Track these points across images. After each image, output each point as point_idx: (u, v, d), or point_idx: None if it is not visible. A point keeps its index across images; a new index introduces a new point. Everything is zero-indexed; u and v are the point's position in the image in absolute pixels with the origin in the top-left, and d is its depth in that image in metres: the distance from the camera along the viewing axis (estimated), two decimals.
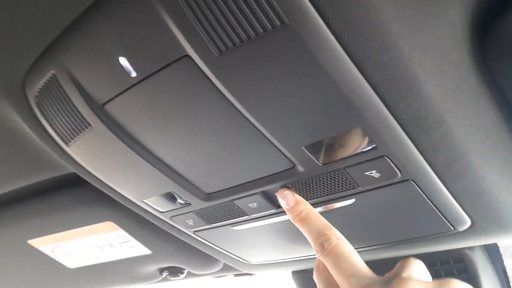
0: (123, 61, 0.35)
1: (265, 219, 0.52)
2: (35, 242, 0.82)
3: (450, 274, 0.64)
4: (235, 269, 0.84)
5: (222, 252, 0.67)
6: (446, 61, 0.33)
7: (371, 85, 0.32)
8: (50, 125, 0.45)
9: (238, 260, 0.69)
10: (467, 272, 0.63)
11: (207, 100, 0.36)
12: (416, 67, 0.31)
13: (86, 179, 0.54)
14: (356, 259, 0.38)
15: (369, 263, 0.67)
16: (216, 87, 0.35)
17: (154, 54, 0.34)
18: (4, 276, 1.02)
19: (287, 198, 0.44)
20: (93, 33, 0.35)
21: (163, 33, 0.32)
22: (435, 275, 0.65)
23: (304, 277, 0.80)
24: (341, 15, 0.28)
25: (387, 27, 0.29)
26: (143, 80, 0.36)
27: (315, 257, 0.63)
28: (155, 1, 0.30)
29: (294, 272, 0.82)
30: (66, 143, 0.47)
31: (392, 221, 0.49)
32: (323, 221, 0.41)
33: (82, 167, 0.51)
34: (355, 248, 0.56)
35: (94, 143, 0.44)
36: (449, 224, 0.47)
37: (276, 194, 0.45)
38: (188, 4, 0.30)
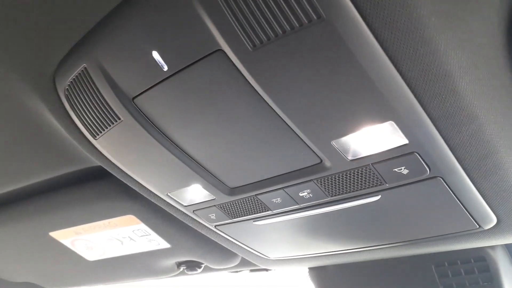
0: (155, 55, 0.35)
1: (287, 214, 0.52)
2: (56, 235, 0.83)
3: (470, 273, 0.64)
4: (252, 264, 0.84)
5: (241, 247, 0.67)
6: (481, 57, 0.32)
7: (405, 80, 0.32)
8: (79, 118, 0.46)
9: (257, 255, 0.70)
10: (488, 271, 0.63)
11: (238, 94, 0.36)
12: (451, 63, 0.31)
13: (111, 172, 0.55)
14: None
15: (389, 261, 0.67)
16: (248, 82, 0.35)
17: (187, 48, 0.34)
18: (25, 267, 1.03)
19: None
20: (127, 27, 0.35)
21: (197, 27, 0.32)
22: (455, 273, 0.65)
23: (320, 273, 0.80)
24: (379, 9, 0.28)
25: (425, 22, 0.28)
26: (174, 74, 0.36)
27: (332, 254, 0.63)
28: None
29: (310, 269, 0.82)
30: (94, 136, 0.47)
31: (416, 219, 0.48)
32: None
33: (108, 160, 0.52)
34: (378, 246, 0.57)
35: (123, 137, 0.45)
36: (474, 222, 0.47)
37: None
38: None
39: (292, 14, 0.29)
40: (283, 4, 0.29)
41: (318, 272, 0.80)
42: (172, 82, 0.37)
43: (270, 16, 0.30)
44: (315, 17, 0.28)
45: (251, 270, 0.97)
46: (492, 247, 0.62)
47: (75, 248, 0.88)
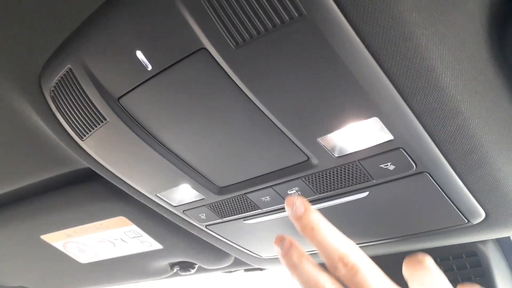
0: (139, 54, 0.35)
1: (277, 212, 0.52)
2: (48, 237, 0.83)
3: (462, 268, 0.64)
4: (245, 264, 0.84)
5: (233, 246, 0.67)
6: (463, 52, 0.33)
7: (388, 76, 0.32)
8: (65, 119, 0.46)
9: (249, 255, 0.70)
10: (479, 266, 0.63)
11: (223, 93, 0.36)
12: (433, 58, 0.31)
13: (100, 173, 0.55)
14: (388, 280, 0.36)
15: (380, 258, 0.67)
16: (232, 80, 0.35)
17: (171, 47, 0.34)
18: (17, 271, 1.03)
19: (295, 205, 0.39)
20: (110, 27, 0.35)
21: (180, 26, 0.32)
22: (447, 269, 0.65)
23: None
24: (359, 6, 0.28)
25: (405, 17, 0.28)
26: (159, 73, 0.36)
27: None
28: None
29: None
30: (80, 138, 0.47)
31: (405, 215, 0.49)
32: (339, 233, 0.38)
33: (96, 162, 0.52)
34: (368, 242, 0.57)
35: (109, 137, 0.45)
36: (463, 217, 0.47)
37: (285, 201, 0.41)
38: None
39: (274, 11, 0.29)
40: (265, 1, 0.29)
41: None
42: (156, 81, 0.37)
43: (252, 14, 0.30)
44: (296, 14, 0.28)
45: (246, 270, 0.97)
46: (483, 242, 0.63)
47: (67, 250, 0.87)
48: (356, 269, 0.35)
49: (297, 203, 0.39)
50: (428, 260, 0.41)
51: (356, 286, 0.35)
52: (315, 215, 0.39)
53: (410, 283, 0.40)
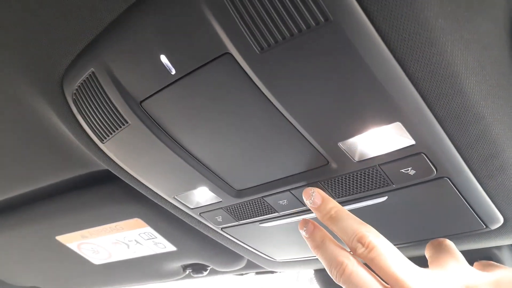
0: (163, 58, 0.36)
1: (294, 216, 0.52)
2: (63, 238, 0.83)
3: None
4: (258, 267, 0.84)
5: (248, 249, 0.67)
6: (487, 57, 0.33)
7: (412, 81, 0.32)
8: (86, 122, 0.46)
9: (263, 257, 0.70)
10: None
11: (245, 97, 0.37)
12: (458, 64, 0.31)
13: (118, 176, 0.55)
14: (403, 256, 0.38)
15: None
16: (255, 85, 0.35)
17: (195, 51, 0.34)
18: (31, 271, 1.04)
19: (313, 196, 0.42)
20: (135, 31, 0.35)
21: (205, 31, 0.32)
22: None
23: (326, 275, 0.80)
24: (386, 12, 0.28)
25: (431, 23, 0.29)
26: (182, 77, 0.37)
27: None
28: None
29: (316, 271, 0.82)
30: (101, 140, 0.48)
31: (423, 219, 0.49)
32: (356, 218, 0.40)
33: (116, 164, 0.52)
34: None
35: (130, 140, 0.45)
36: (481, 222, 0.47)
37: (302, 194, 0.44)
38: (232, 1, 0.30)
39: (300, 17, 0.29)
40: (291, 7, 0.29)
41: (324, 274, 0.80)
42: (179, 85, 0.37)
43: (278, 19, 0.30)
44: (322, 20, 0.29)
45: (257, 273, 0.98)
46: (498, 248, 0.62)
47: (81, 251, 0.88)
48: (372, 246, 0.37)
49: (313, 194, 0.42)
50: (448, 242, 0.45)
51: (372, 261, 0.37)
52: (332, 204, 0.42)
53: (430, 263, 0.42)
